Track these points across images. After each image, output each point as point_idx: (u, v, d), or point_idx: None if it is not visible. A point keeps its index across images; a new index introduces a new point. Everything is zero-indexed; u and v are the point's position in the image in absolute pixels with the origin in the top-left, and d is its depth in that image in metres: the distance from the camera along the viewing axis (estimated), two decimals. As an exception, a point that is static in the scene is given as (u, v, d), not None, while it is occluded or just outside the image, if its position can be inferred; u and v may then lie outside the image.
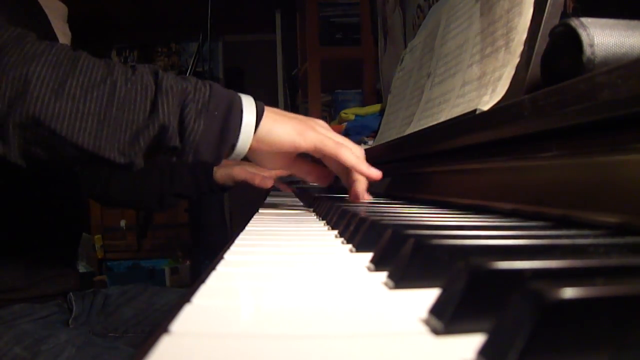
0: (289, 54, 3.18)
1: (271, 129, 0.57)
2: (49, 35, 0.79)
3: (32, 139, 0.48)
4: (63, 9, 0.83)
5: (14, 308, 0.72)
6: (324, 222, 0.57)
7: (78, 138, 0.48)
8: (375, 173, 0.64)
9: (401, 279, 0.24)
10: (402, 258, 0.25)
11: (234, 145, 0.55)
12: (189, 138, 0.52)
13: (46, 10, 0.78)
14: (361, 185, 0.67)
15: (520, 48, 0.52)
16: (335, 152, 0.61)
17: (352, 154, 0.62)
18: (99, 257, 3.34)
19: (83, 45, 0.86)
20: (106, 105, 0.48)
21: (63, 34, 0.82)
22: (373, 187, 0.97)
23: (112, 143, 0.49)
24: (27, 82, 0.45)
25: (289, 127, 0.59)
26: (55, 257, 0.82)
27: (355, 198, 0.68)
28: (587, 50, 0.38)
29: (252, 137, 0.55)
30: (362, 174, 0.65)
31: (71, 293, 0.84)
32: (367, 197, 0.69)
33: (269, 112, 0.58)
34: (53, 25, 0.79)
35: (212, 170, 1.01)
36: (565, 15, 0.50)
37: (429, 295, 0.21)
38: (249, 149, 0.56)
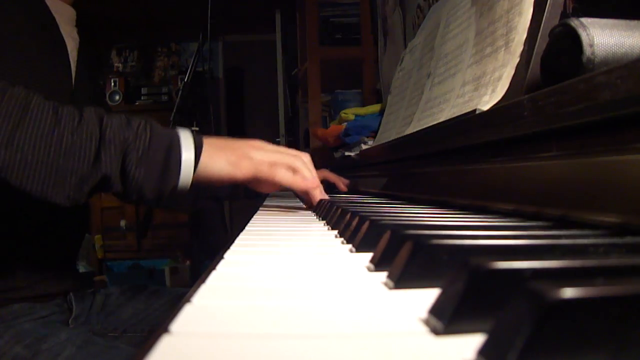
0: (289, 54, 3.17)
1: (207, 165, 0.60)
2: (58, 39, 0.79)
3: None
4: (72, 13, 0.84)
5: (15, 307, 0.72)
6: (324, 222, 0.57)
7: (26, 186, 0.52)
8: (313, 183, 0.68)
9: (401, 279, 0.24)
10: (402, 258, 0.25)
11: (176, 185, 0.58)
12: (131, 183, 0.56)
13: (55, 15, 0.79)
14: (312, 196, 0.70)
15: (520, 48, 0.52)
16: (272, 177, 0.64)
17: (286, 173, 0.65)
18: (99, 257, 3.34)
19: (83, 45, 0.87)
20: (53, 156, 0.52)
21: (71, 38, 0.82)
22: (373, 187, 0.97)
23: (59, 190, 0.53)
24: None
25: (223, 162, 0.61)
26: (56, 258, 0.82)
27: (309, 205, 0.71)
28: (587, 50, 0.38)
29: (192, 174, 0.59)
30: (298, 190, 0.68)
31: (71, 293, 0.84)
32: (323, 195, 0.71)
33: (207, 146, 0.60)
34: (61, 29, 0.80)
35: None
36: (565, 15, 0.49)
37: (429, 295, 0.21)
38: (194, 182, 0.60)
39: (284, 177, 0.65)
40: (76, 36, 0.84)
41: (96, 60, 4.04)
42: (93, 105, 0.59)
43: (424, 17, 1.01)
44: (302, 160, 0.68)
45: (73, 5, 0.84)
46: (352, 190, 1.09)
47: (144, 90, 3.91)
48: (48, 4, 0.78)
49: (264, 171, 0.63)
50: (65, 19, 0.82)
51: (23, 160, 0.51)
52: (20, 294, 0.74)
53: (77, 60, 0.83)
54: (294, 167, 0.67)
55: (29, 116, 0.52)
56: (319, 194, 0.71)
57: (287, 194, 1.27)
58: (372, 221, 0.37)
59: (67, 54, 0.81)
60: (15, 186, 0.51)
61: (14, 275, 0.74)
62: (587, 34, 0.38)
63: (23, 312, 0.72)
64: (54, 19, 0.79)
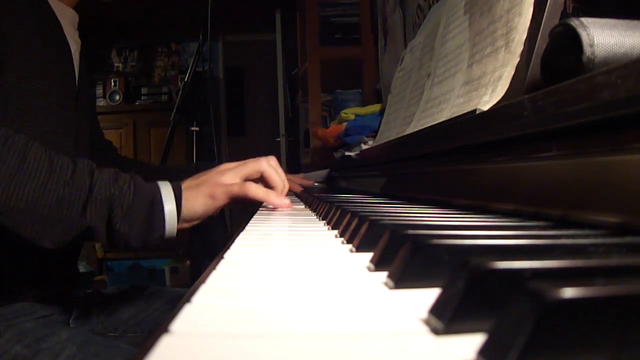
0: (289, 54, 3.17)
1: (190, 209, 0.65)
2: (63, 43, 0.80)
3: None
4: (74, 17, 0.85)
5: (15, 307, 0.72)
6: (324, 222, 0.57)
7: (18, 229, 0.56)
8: (285, 203, 0.72)
9: (401, 279, 0.24)
10: (402, 258, 0.25)
11: (162, 235, 0.63)
12: (117, 235, 0.60)
13: (59, 17, 0.79)
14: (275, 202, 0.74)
15: (520, 48, 0.52)
16: (245, 194, 0.68)
17: (258, 188, 0.69)
18: (99, 257, 3.33)
19: (84, 48, 0.87)
20: (45, 206, 0.56)
21: (74, 42, 0.83)
22: (373, 187, 0.97)
23: (47, 236, 0.58)
24: None
25: (201, 199, 0.66)
26: (58, 258, 0.82)
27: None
28: (587, 50, 0.38)
29: (176, 223, 0.63)
30: (270, 204, 0.72)
31: (72, 293, 0.84)
32: (285, 204, 0.75)
33: (184, 192, 0.65)
34: (65, 32, 0.80)
35: None
36: (565, 15, 0.49)
37: (429, 295, 0.21)
38: (184, 227, 0.66)
39: (257, 193, 0.68)
40: (78, 39, 0.85)
41: (96, 60, 4.04)
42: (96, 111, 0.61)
43: (424, 17, 1.01)
44: (267, 162, 0.73)
45: (75, 8, 0.85)
46: (350, 190, 1.09)
47: (144, 90, 3.91)
48: (53, 7, 0.78)
49: (236, 191, 0.67)
50: (68, 22, 0.82)
51: (17, 207, 0.55)
52: (21, 294, 0.74)
53: (80, 63, 0.84)
54: (261, 170, 0.72)
55: (25, 166, 0.55)
56: (283, 194, 0.75)
57: (288, 194, 1.27)
58: (372, 221, 0.37)
59: (72, 57, 0.81)
60: (8, 228, 0.55)
61: (15, 275, 0.74)
62: (587, 34, 0.38)
63: (24, 312, 0.72)
64: (58, 22, 0.79)
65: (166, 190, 0.63)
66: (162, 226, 0.62)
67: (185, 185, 0.66)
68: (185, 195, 0.65)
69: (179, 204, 0.63)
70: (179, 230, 0.65)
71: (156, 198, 0.62)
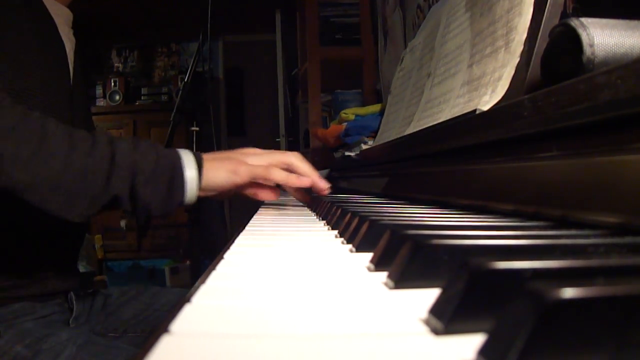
0: (289, 54, 3.17)
1: (209, 178, 0.65)
2: (57, 41, 0.80)
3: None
4: (69, 15, 0.85)
5: (15, 307, 0.72)
6: (324, 222, 0.57)
7: (44, 205, 0.56)
8: (306, 182, 0.72)
9: (401, 279, 0.24)
10: (402, 258, 0.25)
11: (182, 201, 0.63)
12: (139, 202, 0.60)
13: (53, 16, 0.79)
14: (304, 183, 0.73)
15: (520, 48, 0.52)
16: (267, 177, 0.68)
17: (280, 172, 0.69)
18: (99, 257, 3.33)
19: (83, 45, 0.87)
20: (69, 178, 0.56)
21: (68, 40, 0.83)
22: (373, 187, 0.97)
23: (73, 209, 0.57)
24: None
25: (223, 171, 0.66)
26: (57, 257, 0.82)
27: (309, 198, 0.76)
28: (587, 50, 0.38)
29: (196, 190, 0.63)
30: (293, 186, 0.72)
31: (72, 293, 0.84)
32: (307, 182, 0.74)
33: (206, 162, 0.65)
34: (60, 30, 0.80)
35: None
36: (565, 15, 0.49)
37: (429, 295, 0.21)
38: (200, 195, 0.65)
39: (279, 175, 0.69)
40: (72, 38, 0.85)
41: (96, 60, 4.04)
42: (91, 110, 0.61)
43: (424, 17, 1.01)
44: (294, 156, 0.73)
45: (69, 7, 0.85)
46: (350, 190, 1.09)
47: (144, 90, 3.91)
48: (47, 6, 0.78)
49: (260, 172, 0.67)
50: (62, 20, 0.82)
51: (42, 183, 0.54)
52: (21, 293, 0.74)
53: (74, 62, 0.84)
54: (287, 162, 0.71)
55: (47, 141, 0.55)
56: (320, 181, 0.74)
57: (287, 193, 1.27)
58: (372, 221, 0.37)
59: (66, 56, 0.81)
60: (34, 205, 0.55)
61: (15, 275, 0.74)
62: (587, 34, 0.38)
63: (24, 312, 0.72)
64: (53, 20, 0.79)
65: (187, 156, 0.64)
66: (182, 191, 0.62)
67: (207, 156, 0.67)
68: (206, 165, 0.65)
69: (200, 171, 0.64)
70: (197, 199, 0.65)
71: (177, 163, 0.62)
